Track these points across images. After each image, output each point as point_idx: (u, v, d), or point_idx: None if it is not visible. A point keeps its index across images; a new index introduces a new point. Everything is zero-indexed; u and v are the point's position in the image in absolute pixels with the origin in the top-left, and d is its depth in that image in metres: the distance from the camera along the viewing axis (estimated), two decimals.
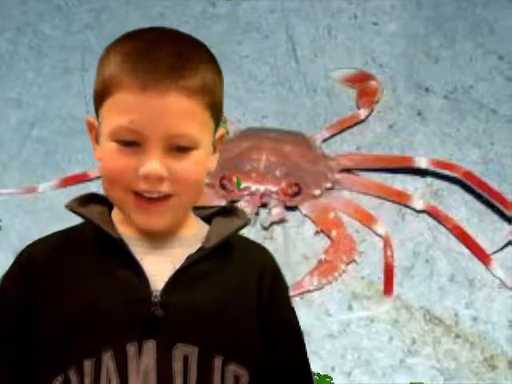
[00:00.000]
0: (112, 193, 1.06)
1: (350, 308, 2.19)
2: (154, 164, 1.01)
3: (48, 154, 2.55)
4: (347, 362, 2.09)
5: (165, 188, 1.03)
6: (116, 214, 1.10)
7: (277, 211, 2.36)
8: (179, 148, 1.02)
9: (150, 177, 1.01)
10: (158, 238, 1.07)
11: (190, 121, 1.02)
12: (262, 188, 2.37)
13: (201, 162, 1.05)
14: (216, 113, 1.07)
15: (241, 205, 2.31)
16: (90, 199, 1.12)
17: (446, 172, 2.47)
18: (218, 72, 1.08)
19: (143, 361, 1.01)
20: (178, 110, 1.01)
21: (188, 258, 1.06)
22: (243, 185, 2.37)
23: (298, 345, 1.14)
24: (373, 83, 2.71)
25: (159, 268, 1.05)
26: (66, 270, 1.06)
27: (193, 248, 1.07)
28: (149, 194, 1.03)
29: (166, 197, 1.04)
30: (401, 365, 2.09)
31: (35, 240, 1.12)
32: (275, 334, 1.10)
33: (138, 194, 1.03)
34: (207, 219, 1.13)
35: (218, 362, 1.03)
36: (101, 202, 1.11)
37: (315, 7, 2.95)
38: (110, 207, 1.11)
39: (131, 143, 1.02)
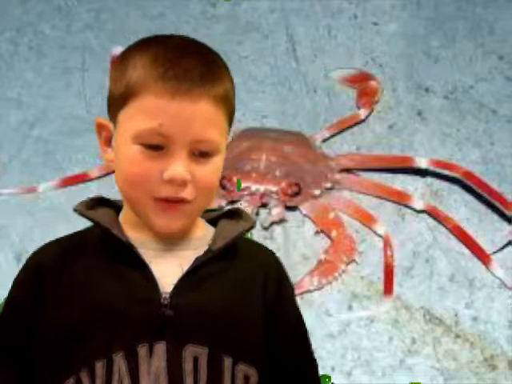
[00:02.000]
0: (132, 196, 1.07)
1: (349, 308, 2.19)
2: (179, 168, 1.03)
3: (48, 154, 2.55)
4: (347, 361, 2.09)
5: (186, 194, 1.04)
6: (123, 217, 1.11)
7: (277, 211, 2.36)
8: (201, 153, 1.05)
9: (175, 180, 1.03)
10: (166, 241, 1.08)
11: (214, 127, 1.05)
12: (262, 188, 2.38)
13: (219, 168, 1.09)
14: (231, 121, 1.10)
15: (241, 205, 2.31)
16: (97, 202, 1.12)
17: (446, 172, 2.47)
18: (233, 81, 1.11)
19: (154, 362, 1.02)
20: (206, 117, 1.04)
21: (196, 259, 1.07)
22: (243, 185, 2.37)
23: (304, 345, 1.15)
24: (373, 83, 2.72)
25: (168, 270, 1.06)
26: (74, 273, 1.07)
27: (200, 250, 1.08)
28: (172, 199, 1.04)
29: (185, 201, 1.05)
30: (401, 365, 2.09)
31: (43, 245, 1.13)
32: (282, 335, 1.11)
33: (159, 199, 1.04)
34: (212, 221, 1.14)
35: (227, 362, 1.04)
36: (108, 205, 1.12)
37: (315, 7, 2.95)
38: (117, 210, 1.12)
39: (156, 147, 1.03)
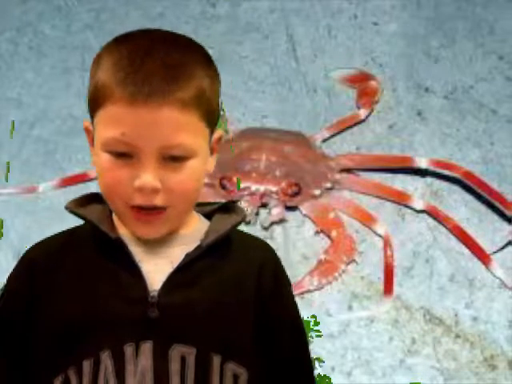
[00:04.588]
0: (110, 202, 1.06)
1: (349, 308, 2.19)
2: (147, 176, 1.00)
3: (48, 153, 2.55)
4: (347, 361, 2.09)
5: (159, 201, 1.02)
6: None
7: (277, 211, 2.36)
8: (174, 158, 1.01)
9: (145, 189, 1.00)
10: (157, 238, 1.07)
11: (184, 131, 1.01)
12: (262, 188, 2.37)
13: (197, 171, 1.04)
14: (212, 119, 1.05)
15: (241, 205, 2.31)
16: (90, 199, 1.12)
17: (446, 172, 2.47)
18: (215, 75, 1.06)
19: (140, 362, 1.01)
20: (171, 123, 0.99)
21: (186, 256, 1.06)
22: (243, 185, 2.37)
23: (301, 341, 1.14)
24: (373, 83, 2.71)
25: (158, 268, 1.05)
26: (66, 271, 1.07)
27: (191, 246, 1.07)
28: (145, 207, 1.02)
29: (162, 208, 1.03)
30: (401, 365, 2.09)
31: (37, 242, 1.13)
32: (279, 331, 1.10)
33: (136, 208, 1.03)
34: (209, 215, 1.13)
35: (216, 361, 1.03)
36: (102, 201, 1.10)
37: (315, 7, 2.95)
38: None
39: (124, 154, 1.01)
